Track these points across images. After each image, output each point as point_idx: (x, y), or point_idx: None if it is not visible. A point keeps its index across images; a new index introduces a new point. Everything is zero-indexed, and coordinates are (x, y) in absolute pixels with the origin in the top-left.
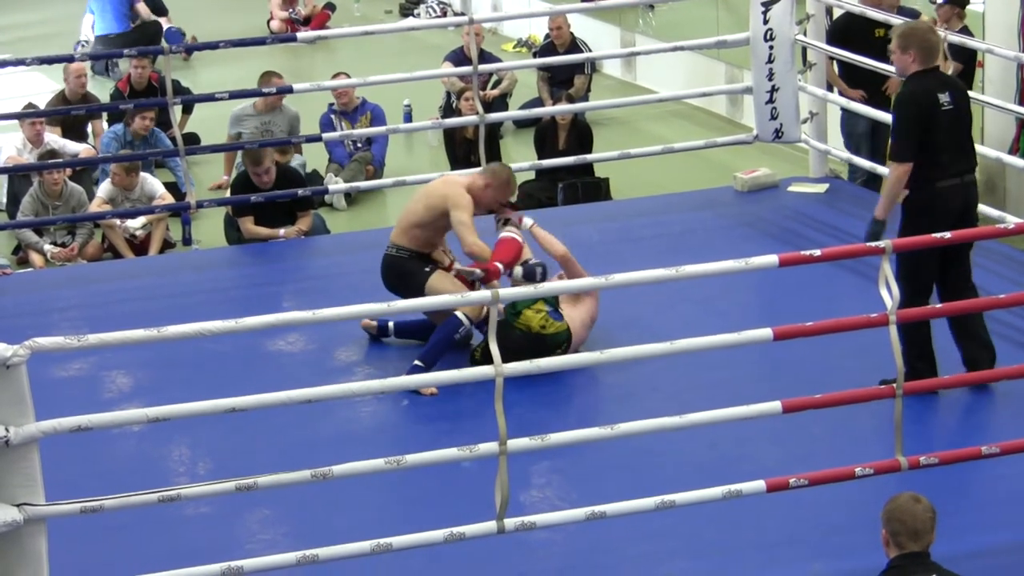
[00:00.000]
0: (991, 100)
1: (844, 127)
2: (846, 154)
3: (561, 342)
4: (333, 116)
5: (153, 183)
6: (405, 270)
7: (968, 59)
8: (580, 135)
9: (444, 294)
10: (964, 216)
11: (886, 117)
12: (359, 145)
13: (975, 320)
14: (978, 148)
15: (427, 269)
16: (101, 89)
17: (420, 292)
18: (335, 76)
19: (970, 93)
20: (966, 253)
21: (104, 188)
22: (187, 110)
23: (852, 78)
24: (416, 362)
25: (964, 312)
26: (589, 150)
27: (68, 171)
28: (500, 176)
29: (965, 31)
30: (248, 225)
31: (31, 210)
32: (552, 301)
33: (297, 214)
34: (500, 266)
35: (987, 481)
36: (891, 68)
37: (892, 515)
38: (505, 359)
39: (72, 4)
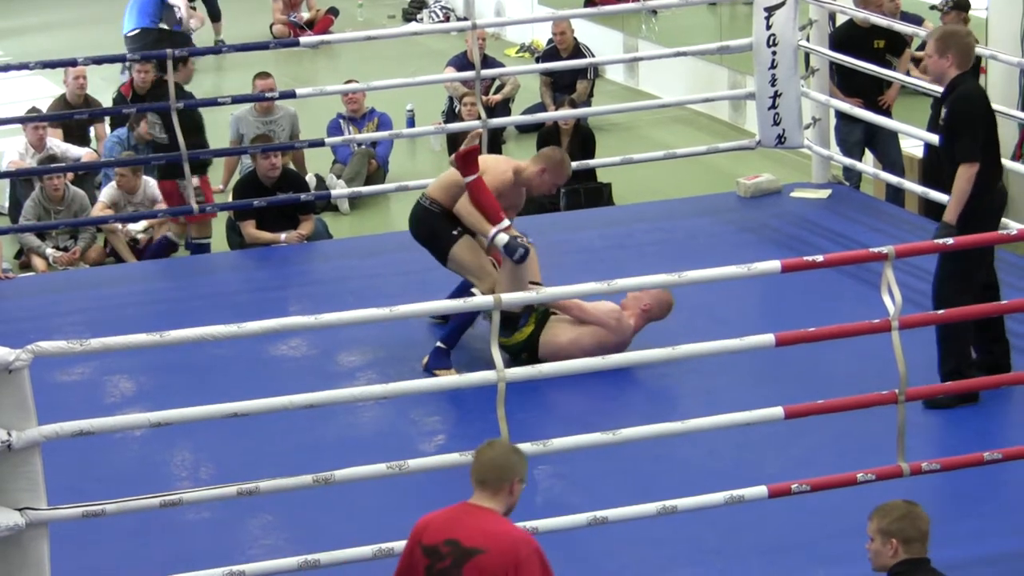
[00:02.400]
0: (994, 106)
1: (839, 135)
2: (849, 160)
3: (516, 353)
4: (342, 121)
5: (155, 187)
6: (433, 227)
7: (974, 64)
8: (583, 140)
9: (465, 261)
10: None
11: (884, 123)
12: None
13: (1001, 323)
14: None
15: (455, 233)
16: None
17: (444, 253)
18: (347, 83)
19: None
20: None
21: (107, 192)
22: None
23: (850, 88)
24: (439, 344)
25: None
26: (592, 155)
27: (70, 175)
28: (553, 159)
29: None
30: (250, 229)
31: (33, 214)
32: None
33: (299, 218)
34: (472, 179)
35: (990, 487)
36: (893, 74)
37: (907, 523)
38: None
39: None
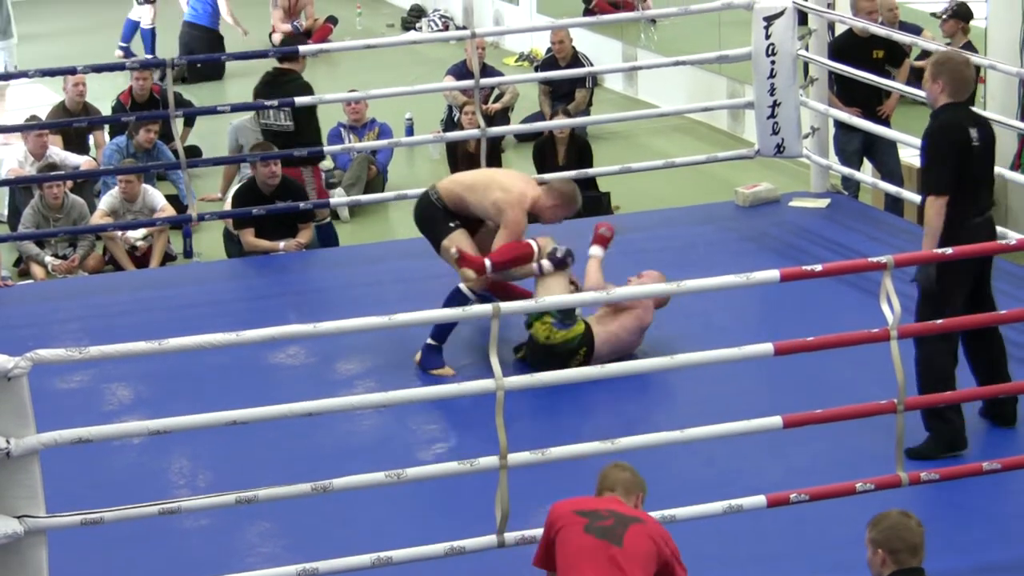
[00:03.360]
0: (993, 116)
1: (837, 144)
2: (847, 169)
3: (574, 349)
4: (342, 130)
5: (154, 195)
6: (433, 218)
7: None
8: (579, 150)
9: (455, 249)
10: (990, 265)
11: (883, 132)
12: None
13: (1004, 364)
14: None
15: (451, 224)
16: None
17: (437, 242)
18: (351, 91)
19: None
20: (990, 292)
21: (106, 200)
22: (189, 123)
23: (848, 97)
24: (428, 341)
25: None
26: (588, 165)
27: (69, 183)
28: (567, 195)
29: (969, 46)
30: (248, 237)
31: (32, 222)
32: (556, 312)
33: (298, 226)
34: (488, 263)
35: (989, 497)
36: (892, 84)
37: (892, 533)
38: (534, 368)
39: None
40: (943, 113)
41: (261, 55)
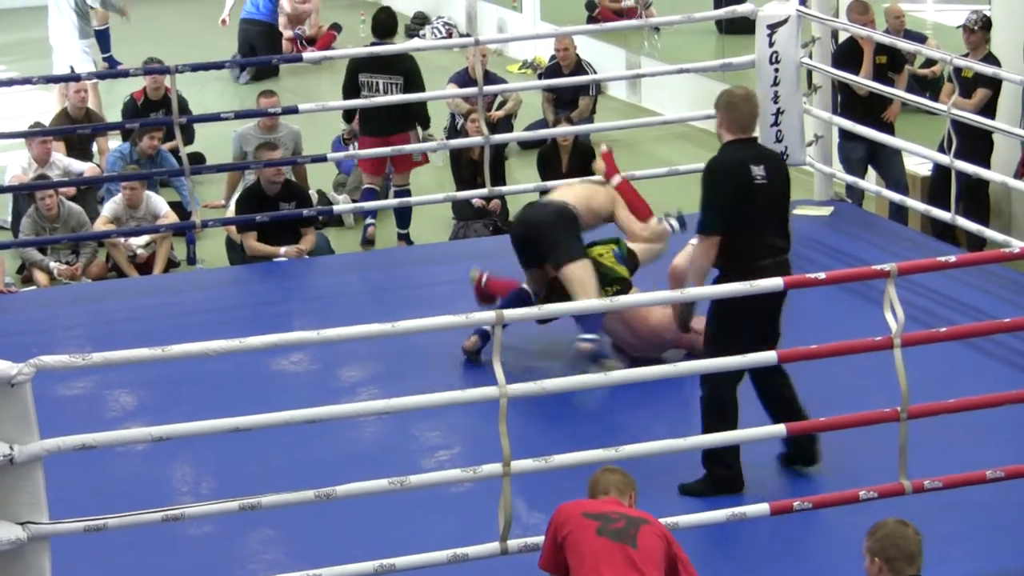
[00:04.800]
0: (997, 124)
1: (841, 152)
2: (851, 177)
3: (611, 280)
4: None
5: (157, 201)
6: (567, 232)
7: (997, 85)
8: (582, 157)
9: (583, 277)
10: (779, 303)
11: (887, 140)
12: None
13: (797, 402)
14: (984, 173)
15: (583, 251)
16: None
17: (558, 263)
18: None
19: (974, 117)
20: (779, 330)
21: (109, 206)
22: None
23: (852, 104)
24: (586, 336)
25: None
26: (591, 172)
27: (71, 190)
28: None
29: (990, 57)
30: (251, 241)
31: (31, 230)
32: (624, 247)
33: (301, 230)
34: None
35: (991, 505)
36: (894, 91)
37: (887, 542)
38: None
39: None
40: (723, 151)
41: (265, 62)
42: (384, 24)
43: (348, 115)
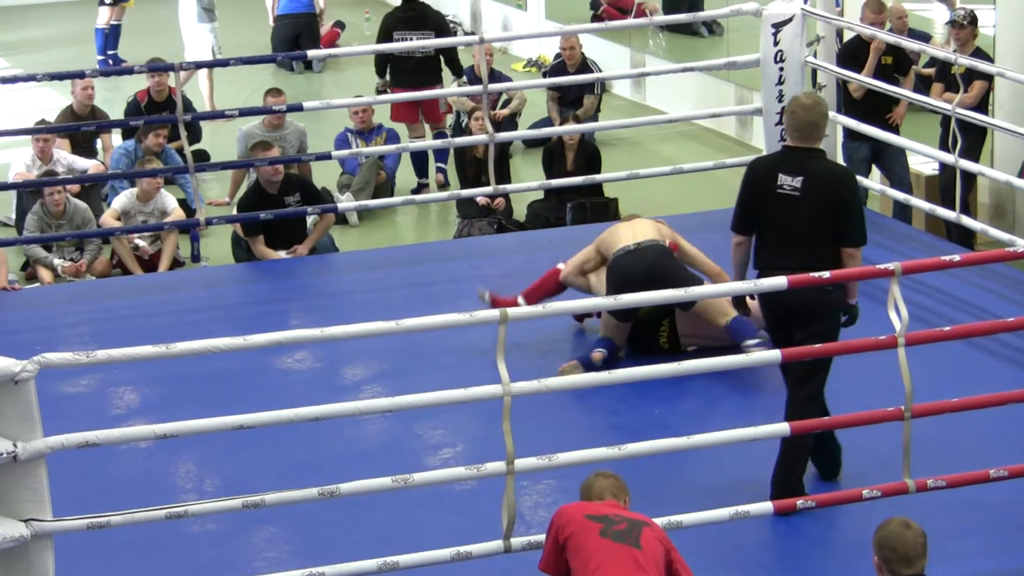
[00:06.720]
0: (1001, 123)
1: (845, 151)
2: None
3: (657, 320)
4: (349, 135)
5: (167, 197)
6: (685, 273)
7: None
8: (588, 155)
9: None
10: (790, 323)
11: (891, 140)
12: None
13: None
14: (988, 171)
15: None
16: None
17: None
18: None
19: (979, 116)
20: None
21: (119, 200)
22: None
23: (856, 104)
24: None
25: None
26: (597, 170)
27: (76, 187)
28: None
29: (979, 52)
30: (259, 246)
31: (36, 227)
32: None
33: (311, 221)
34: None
35: (995, 504)
36: (901, 91)
37: (884, 542)
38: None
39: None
40: (770, 154)
41: (270, 60)
42: None
43: (381, 70)
